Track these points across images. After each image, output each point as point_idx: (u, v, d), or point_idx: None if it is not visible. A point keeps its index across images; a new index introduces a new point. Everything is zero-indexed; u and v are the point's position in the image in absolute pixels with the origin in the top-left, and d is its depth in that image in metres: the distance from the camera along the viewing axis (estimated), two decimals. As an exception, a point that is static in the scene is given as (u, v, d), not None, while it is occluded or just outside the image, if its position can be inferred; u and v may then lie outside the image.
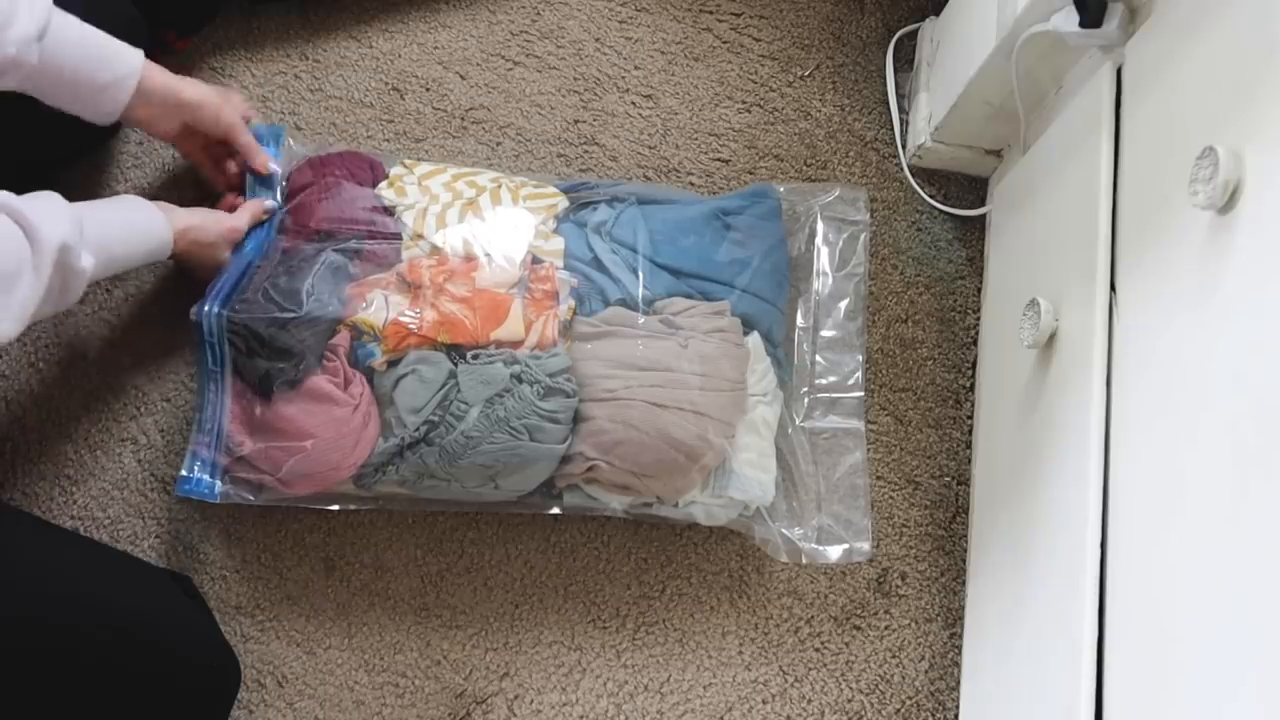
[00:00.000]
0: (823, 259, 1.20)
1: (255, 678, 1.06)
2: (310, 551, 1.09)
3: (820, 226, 1.20)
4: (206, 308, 0.99)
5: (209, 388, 1.00)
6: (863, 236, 1.21)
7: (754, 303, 1.11)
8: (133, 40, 1.05)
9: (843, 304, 1.19)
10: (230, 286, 1.01)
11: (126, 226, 0.93)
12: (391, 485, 1.03)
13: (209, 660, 0.97)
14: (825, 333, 1.18)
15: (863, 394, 1.18)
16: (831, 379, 1.18)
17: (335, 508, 1.06)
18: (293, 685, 1.06)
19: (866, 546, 1.13)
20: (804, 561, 1.12)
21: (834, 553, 1.11)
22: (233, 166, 1.08)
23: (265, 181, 1.08)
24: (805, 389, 1.16)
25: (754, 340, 1.10)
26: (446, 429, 0.99)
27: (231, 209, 1.06)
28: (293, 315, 0.98)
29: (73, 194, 1.02)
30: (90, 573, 0.91)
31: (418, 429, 0.99)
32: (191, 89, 1.00)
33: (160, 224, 0.96)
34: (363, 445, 0.99)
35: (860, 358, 1.19)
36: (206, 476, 1.00)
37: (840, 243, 1.21)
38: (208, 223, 1.01)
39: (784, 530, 1.10)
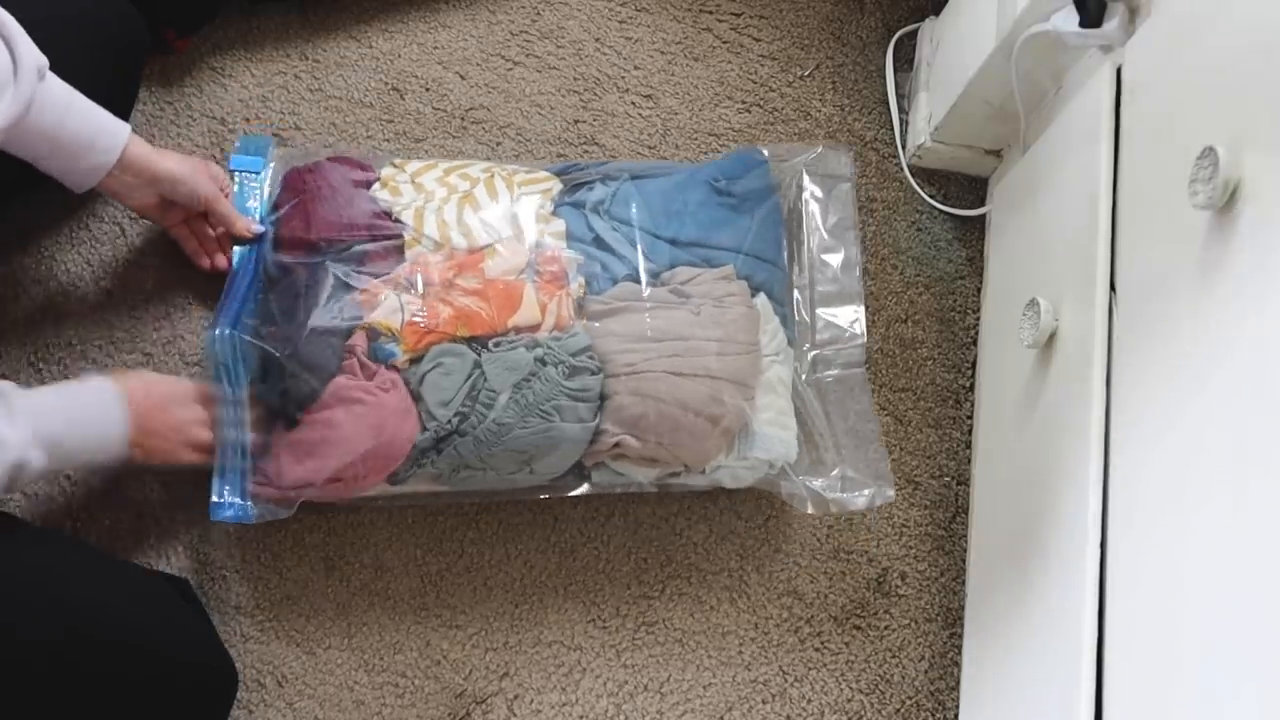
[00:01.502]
0: (814, 215, 1.18)
1: (255, 678, 1.06)
2: (310, 551, 1.09)
3: (806, 182, 1.18)
4: (218, 330, 0.99)
5: (227, 411, 1.00)
6: (848, 188, 1.18)
7: (756, 264, 1.11)
8: (132, 39, 1.06)
9: (837, 257, 1.17)
10: (238, 305, 1.02)
11: (84, 426, 0.90)
12: (425, 481, 1.02)
13: (205, 667, 0.97)
14: (822, 288, 1.17)
15: (864, 340, 1.15)
16: (832, 332, 1.16)
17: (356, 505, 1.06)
18: (292, 685, 1.06)
19: (890, 491, 1.10)
20: (833, 510, 1.11)
21: (860, 500, 1.09)
22: (210, 232, 1.08)
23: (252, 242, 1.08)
24: (807, 344, 1.15)
25: (761, 301, 1.11)
26: (478, 418, 0.99)
27: (213, 269, 1.08)
28: (306, 334, 0.99)
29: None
30: (83, 580, 0.89)
31: (449, 421, 0.99)
32: (168, 162, 0.99)
33: (118, 419, 0.92)
34: (410, 421, 0.99)
35: (860, 307, 1.16)
36: (238, 499, 1.00)
37: (828, 198, 1.18)
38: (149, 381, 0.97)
39: (809, 483, 1.09)
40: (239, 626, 1.07)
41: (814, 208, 1.18)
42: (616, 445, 1.03)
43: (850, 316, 1.17)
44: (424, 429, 0.99)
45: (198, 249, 1.09)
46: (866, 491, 1.09)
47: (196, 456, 0.98)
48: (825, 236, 1.17)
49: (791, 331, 1.13)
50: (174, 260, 1.13)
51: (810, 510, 1.09)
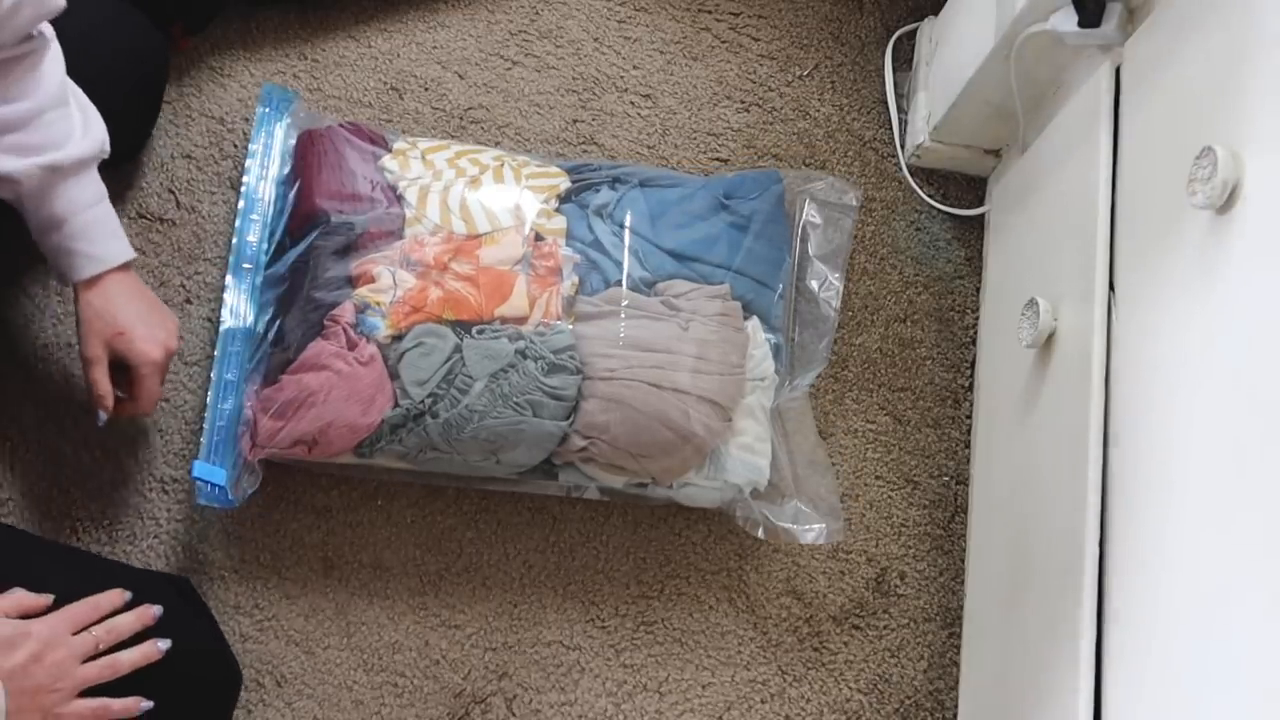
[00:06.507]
0: (809, 241, 1.17)
1: (254, 677, 1.06)
2: (309, 551, 1.09)
3: (809, 208, 1.18)
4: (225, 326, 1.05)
5: (222, 396, 1.03)
6: (849, 222, 1.18)
7: (752, 286, 1.11)
8: (153, 62, 1.06)
9: (821, 285, 1.17)
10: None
11: None
12: (392, 457, 1.03)
13: (207, 666, 0.97)
14: (802, 318, 1.16)
15: (821, 367, 1.15)
16: (803, 365, 1.16)
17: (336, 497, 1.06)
18: (291, 685, 1.06)
19: (839, 529, 1.09)
20: (784, 539, 1.11)
21: (809, 534, 1.09)
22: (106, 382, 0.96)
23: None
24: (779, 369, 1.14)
25: (753, 324, 1.11)
26: (451, 402, 1.00)
27: (102, 401, 0.96)
28: (300, 300, 1.02)
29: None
30: (80, 585, 0.89)
31: (422, 401, 0.99)
32: (129, 313, 0.94)
33: None
34: (383, 396, 0.99)
35: (830, 337, 1.15)
36: (220, 474, 1.01)
37: (827, 226, 1.18)
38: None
39: (764, 511, 1.09)
40: (238, 626, 1.07)
41: (810, 234, 1.17)
42: (587, 448, 1.03)
43: (819, 358, 1.15)
44: (396, 405, 0.99)
45: (103, 381, 0.96)
46: (816, 526, 1.09)
47: (84, 707, 0.82)
48: (815, 264, 1.16)
49: (781, 361, 1.12)
50: (174, 260, 1.13)
51: (761, 536, 1.09)
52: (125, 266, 0.95)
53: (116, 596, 0.87)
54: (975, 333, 1.27)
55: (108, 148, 0.92)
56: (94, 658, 0.83)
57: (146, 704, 0.85)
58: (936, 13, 1.31)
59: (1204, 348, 0.80)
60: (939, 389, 1.25)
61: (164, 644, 0.87)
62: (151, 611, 0.88)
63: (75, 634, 0.83)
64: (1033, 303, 1.03)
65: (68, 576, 0.89)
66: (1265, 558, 0.71)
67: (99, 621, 0.85)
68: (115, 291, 0.94)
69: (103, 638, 0.84)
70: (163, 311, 0.99)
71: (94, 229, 0.92)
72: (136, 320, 0.95)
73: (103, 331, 0.94)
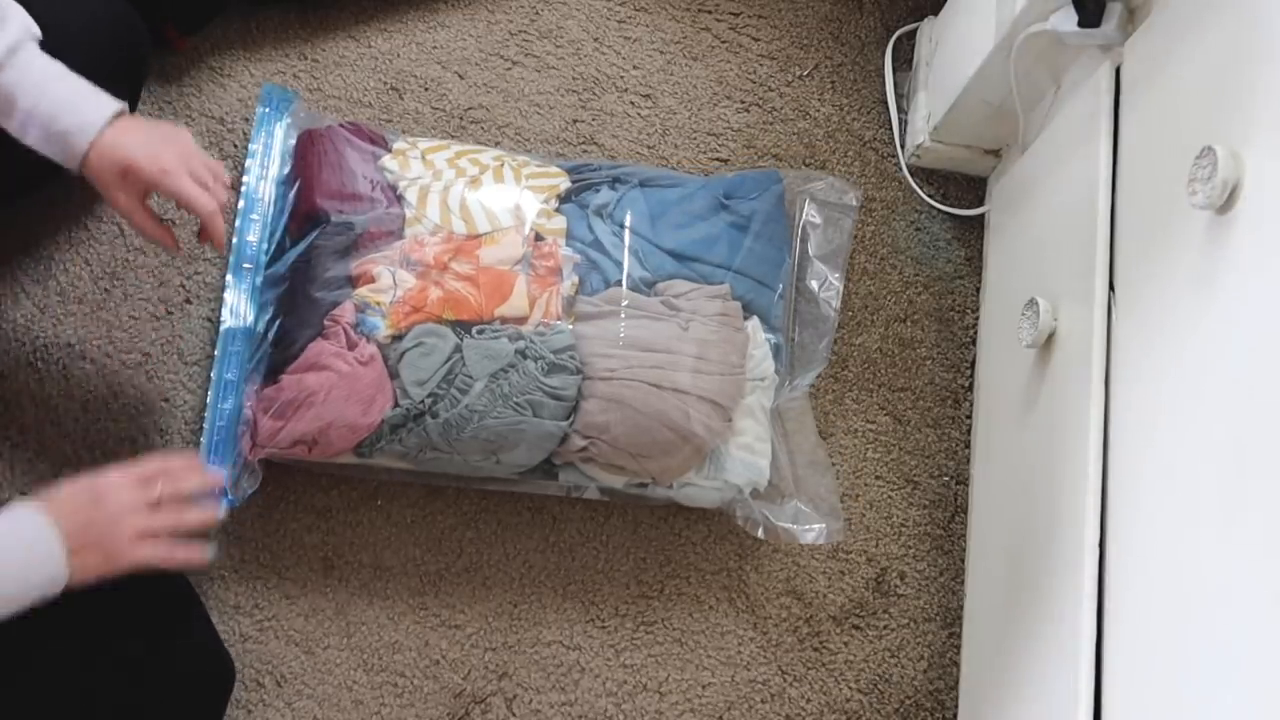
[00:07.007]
0: (809, 241, 1.18)
1: (254, 677, 1.06)
2: (309, 551, 1.09)
3: (809, 208, 1.18)
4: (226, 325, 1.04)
5: (222, 396, 1.03)
6: (849, 222, 1.18)
7: (752, 286, 1.11)
8: (135, 52, 1.05)
9: (821, 285, 1.17)
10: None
11: (12, 579, 0.80)
12: (393, 457, 1.03)
13: (201, 661, 0.97)
14: (801, 318, 1.16)
15: (821, 367, 1.15)
16: (803, 365, 1.16)
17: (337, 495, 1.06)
18: (291, 685, 1.06)
19: (839, 530, 1.10)
20: (784, 539, 1.11)
21: (809, 534, 1.09)
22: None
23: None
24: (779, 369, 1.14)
25: (753, 324, 1.11)
26: (451, 402, 1.00)
27: (159, 237, 0.95)
28: (299, 300, 1.02)
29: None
30: None
31: (422, 401, 0.99)
32: (125, 150, 0.89)
33: (54, 553, 0.81)
34: (383, 396, 1.00)
35: (830, 337, 1.16)
36: (220, 474, 1.01)
37: (827, 226, 1.18)
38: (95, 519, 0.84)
39: (764, 511, 1.09)
40: (238, 626, 1.07)
41: (810, 234, 1.17)
42: (587, 448, 1.03)
43: (820, 357, 1.15)
44: (396, 405, 1.00)
45: (157, 228, 0.95)
46: (816, 526, 1.09)
47: (148, 552, 0.86)
48: (815, 264, 1.16)
49: (781, 361, 1.12)
50: (174, 260, 1.13)
51: (761, 536, 1.09)
52: (114, 119, 0.89)
53: (187, 459, 0.91)
54: (975, 333, 1.27)
55: (36, 29, 0.86)
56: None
57: (211, 552, 0.88)
58: (936, 13, 1.31)
59: (1204, 347, 0.80)
60: (939, 389, 1.25)
61: (224, 507, 0.90)
62: (218, 475, 0.91)
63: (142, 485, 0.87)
64: (1033, 303, 1.03)
65: None
66: (1265, 557, 0.71)
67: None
68: (109, 144, 0.89)
69: (167, 490, 0.87)
70: (164, 131, 0.93)
71: (62, 103, 0.87)
72: (136, 151, 0.90)
73: (113, 179, 0.90)
